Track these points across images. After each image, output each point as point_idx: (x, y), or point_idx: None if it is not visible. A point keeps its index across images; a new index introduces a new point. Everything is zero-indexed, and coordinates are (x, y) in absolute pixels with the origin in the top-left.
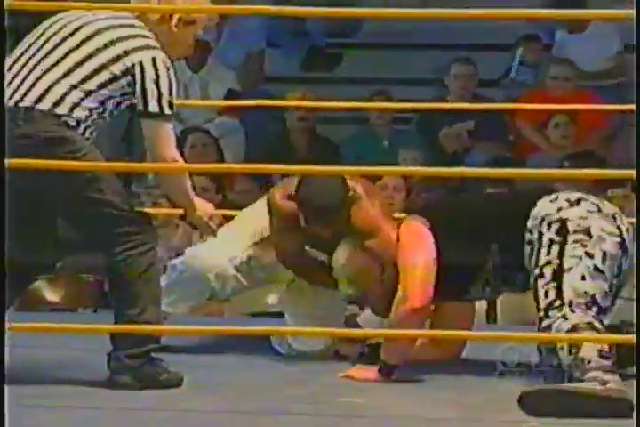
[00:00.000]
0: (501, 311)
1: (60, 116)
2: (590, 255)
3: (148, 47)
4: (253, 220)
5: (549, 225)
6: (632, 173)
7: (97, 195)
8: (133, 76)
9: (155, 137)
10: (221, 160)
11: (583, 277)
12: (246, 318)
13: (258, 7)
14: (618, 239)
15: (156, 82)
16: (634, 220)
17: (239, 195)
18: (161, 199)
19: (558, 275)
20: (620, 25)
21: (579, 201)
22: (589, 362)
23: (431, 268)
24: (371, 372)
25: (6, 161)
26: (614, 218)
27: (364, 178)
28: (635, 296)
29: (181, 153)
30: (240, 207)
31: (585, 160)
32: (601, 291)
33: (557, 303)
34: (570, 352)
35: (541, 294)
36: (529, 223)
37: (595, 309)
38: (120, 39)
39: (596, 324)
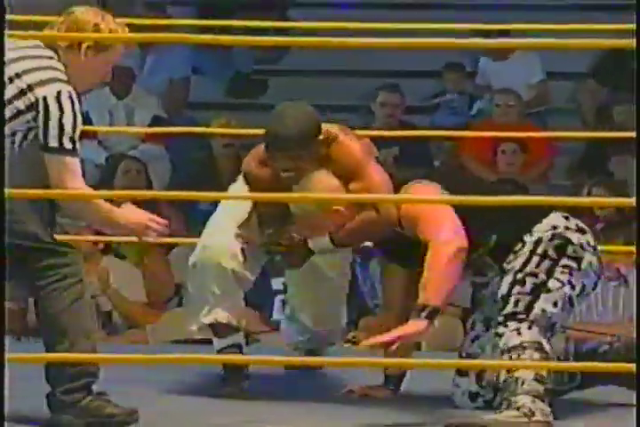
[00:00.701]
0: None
1: None
2: (572, 286)
3: (53, 80)
4: (234, 202)
5: (552, 237)
6: (632, 200)
7: (17, 226)
8: (38, 111)
9: (56, 171)
10: (150, 187)
11: (555, 304)
12: (169, 345)
13: (180, 35)
14: (595, 279)
15: (60, 117)
16: None
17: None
18: (85, 229)
19: (538, 291)
20: (542, 52)
21: (584, 231)
22: (523, 383)
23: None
24: (418, 324)
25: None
26: (600, 259)
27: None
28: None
29: (112, 179)
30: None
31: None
32: (562, 321)
33: (521, 316)
34: (508, 370)
35: (512, 299)
36: (535, 227)
37: (549, 335)
38: (26, 72)
39: (546, 346)
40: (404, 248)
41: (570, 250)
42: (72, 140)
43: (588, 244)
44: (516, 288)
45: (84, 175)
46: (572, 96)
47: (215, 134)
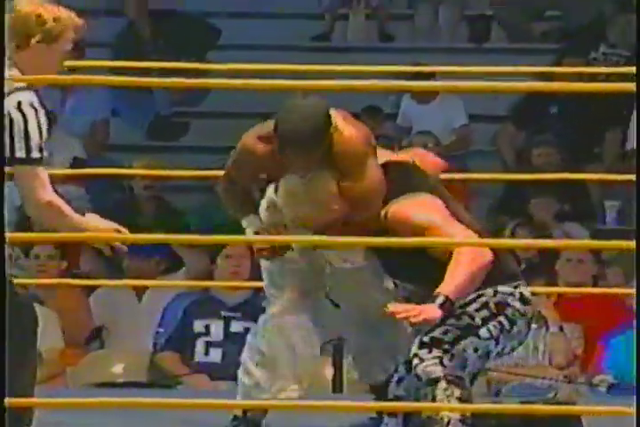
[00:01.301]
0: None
1: None
2: (497, 343)
3: (10, 92)
4: None
5: (495, 294)
6: (632, 243)
7: None
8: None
9: (26, 182)
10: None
11: (476, 351)
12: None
13: (100, 77)
14: (516, 345)
15: (25, 127)
16: None
17: (85, 264)
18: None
19: (468, 332)
20: (464, 95)
21: (527, 302)
22: (448, 423)
23: None
24: (433, 309)
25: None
26: (529, 327)
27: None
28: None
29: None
30: (85, 277)
31: None
32: (471, 368)
33: (446, 347)
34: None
35: (443, 327)
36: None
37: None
38: None
39: (467, 383)
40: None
41: (509, 311)
42: (40, 148)
43: (525, 313)
44: (451, 320)
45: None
46: (493, 138)
47: (136, 176)
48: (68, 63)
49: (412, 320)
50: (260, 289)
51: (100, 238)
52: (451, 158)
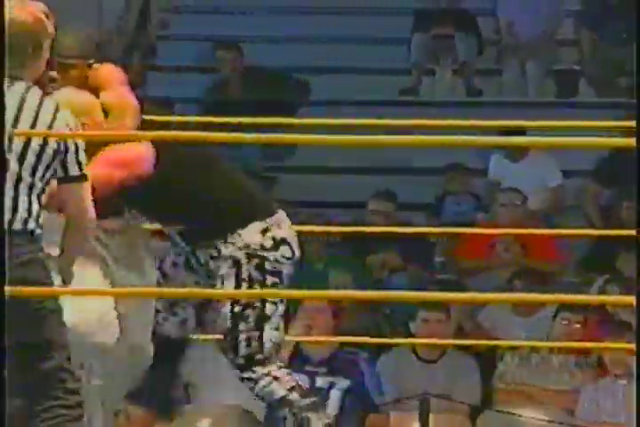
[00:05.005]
0: None
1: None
2: (282, 301)
3: (57, 109)
4: None
5: (248, 258)
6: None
7: None
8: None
9: (80, 199)
10: None
11: (277, 328)
12: None
13: (190, 133)
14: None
15: (76, 146)
16: None
17: None
18: None
19: (261, 323)
20: (559, 153)
21: (279, 244)
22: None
23: None
24: None
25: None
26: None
27: None
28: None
29: None
30: None
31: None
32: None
33: (259, 357)
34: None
35: (243, 338)
36: (230, 237)
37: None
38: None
39: (301, 383)
40: None
41: (269, 267)
42: (85, 165)
43: (284, 256)
44: (242, 325)
45: None
46: (577, 195)
47: None
48: (161, 118)
49: None
50: (345, 344)
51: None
52: (540, 215)
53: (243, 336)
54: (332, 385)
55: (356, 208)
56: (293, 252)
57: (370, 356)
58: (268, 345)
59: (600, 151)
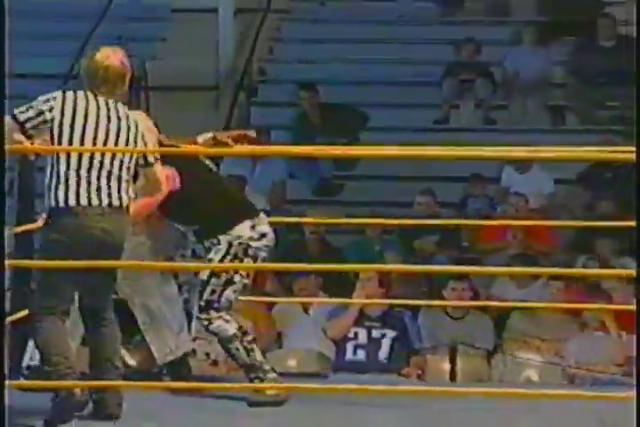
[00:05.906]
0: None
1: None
2: (248, 276)
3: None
4: None
5: (240, 243)
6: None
7: None
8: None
9: (157, 178)
10: None
11: (235, 291)
12: None
13: (280, 148)
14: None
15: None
16: None
17: (268, 287)
18: None
19: (228, 284)
20: (552, 167)
21: (263, 236)
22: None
23: None
24: None
25: None
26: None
27: None
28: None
29: None
30: (268, 296)
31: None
32: (232, 300)
33: (215, 305)
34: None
35: (209, 288)
36: (230, 231)
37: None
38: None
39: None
40: None
41: (250, 252)
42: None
43: (264, 245)
44: (213, 280)
45: None
46: (565, 197)
47: (306, 223)
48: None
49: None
50: (395, 305)
51: None
52: (540, 212)
53: (210, 288)
54: (383, 335)
55: (404, 207)
56: (269, 242)
57: (412, 314)
58: (224, 299)
59: (580, 166)
